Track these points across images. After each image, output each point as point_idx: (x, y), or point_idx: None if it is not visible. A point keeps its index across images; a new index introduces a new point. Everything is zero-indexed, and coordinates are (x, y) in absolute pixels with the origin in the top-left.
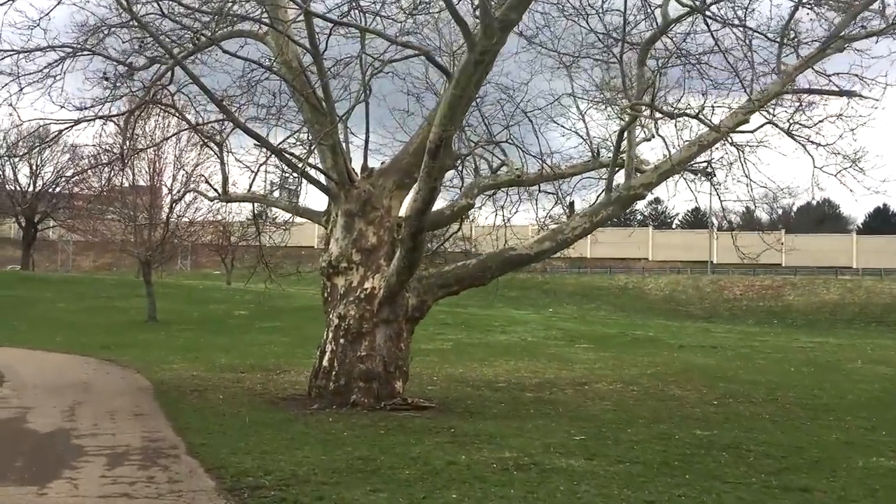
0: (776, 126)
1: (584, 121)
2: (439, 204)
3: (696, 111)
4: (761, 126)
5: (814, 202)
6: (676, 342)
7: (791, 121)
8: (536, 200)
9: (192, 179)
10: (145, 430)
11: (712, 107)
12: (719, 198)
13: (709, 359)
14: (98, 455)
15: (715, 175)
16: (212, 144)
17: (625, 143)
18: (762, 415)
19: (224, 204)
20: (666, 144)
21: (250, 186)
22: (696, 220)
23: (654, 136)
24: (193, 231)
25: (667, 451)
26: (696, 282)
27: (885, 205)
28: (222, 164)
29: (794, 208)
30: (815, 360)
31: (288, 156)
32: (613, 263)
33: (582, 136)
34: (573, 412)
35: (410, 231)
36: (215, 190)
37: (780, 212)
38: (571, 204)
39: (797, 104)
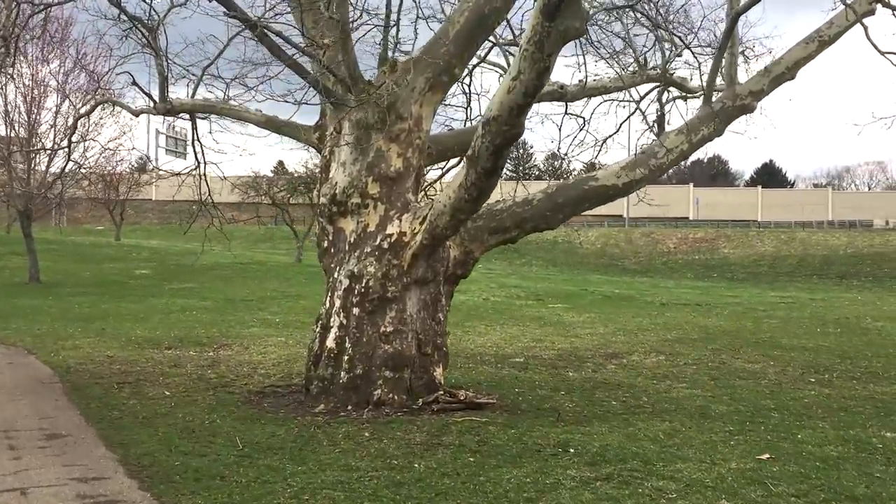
0: None
1: (622, 22)
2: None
3: None
4: None
5: (705, 158)
6: (651, 300)
7: None
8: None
9: (104, 87)
10: (78, 476)
11: None
12: None
13: (712, 319)
14: None
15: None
16: (141, 29)
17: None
18: None
19: (119, 143)
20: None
21: (193, 93)
22: None
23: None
24: (79, 180)
25: None
26: (628, 235)
27: (771, 160)
28: (157, 57)
29: (688, 163)
30: (825, 317)
31: (274, 36)
32: None
33: (624, 40)
34: (667, 403)
35: (495, 142)
36: (148, 96)
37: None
38: (661, 118)
39: None
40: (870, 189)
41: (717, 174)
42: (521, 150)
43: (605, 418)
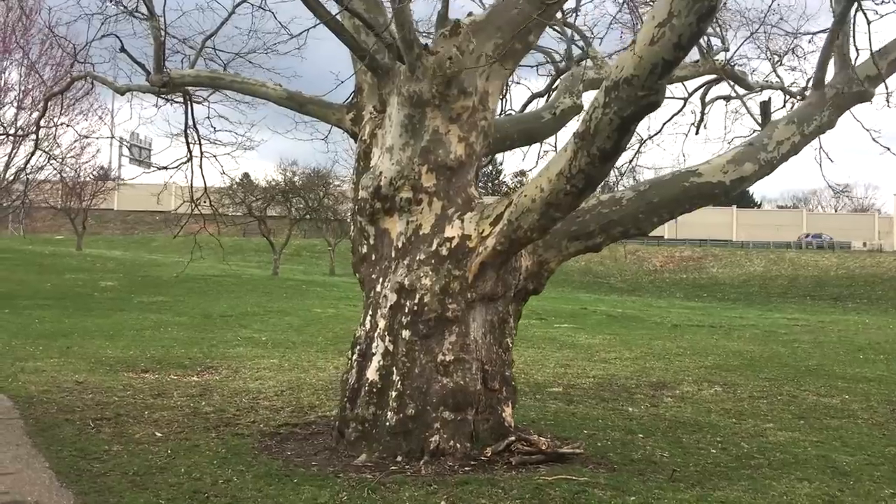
0: None
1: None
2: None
3: None
4: None
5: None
6: (660, 321)
7: None
8: None
9: (82, 59)
10: None
11: None
12: None
13: (736, 343)
14: None
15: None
16: None
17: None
18: None
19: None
20: None
21: (194, 63)
22: None
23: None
24: (40, 182)
25: None
26: (612, 252)
27: None
28: (153, 18)
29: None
30: (855, 342)
31: None
32: None
33: None
34: (777, 452)
35: (623, 113)
36: (141, 66)
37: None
38: (765, 105)
39: None
40: (836, 211)
41: None
42: (490, 167)
43: (726, 476)
